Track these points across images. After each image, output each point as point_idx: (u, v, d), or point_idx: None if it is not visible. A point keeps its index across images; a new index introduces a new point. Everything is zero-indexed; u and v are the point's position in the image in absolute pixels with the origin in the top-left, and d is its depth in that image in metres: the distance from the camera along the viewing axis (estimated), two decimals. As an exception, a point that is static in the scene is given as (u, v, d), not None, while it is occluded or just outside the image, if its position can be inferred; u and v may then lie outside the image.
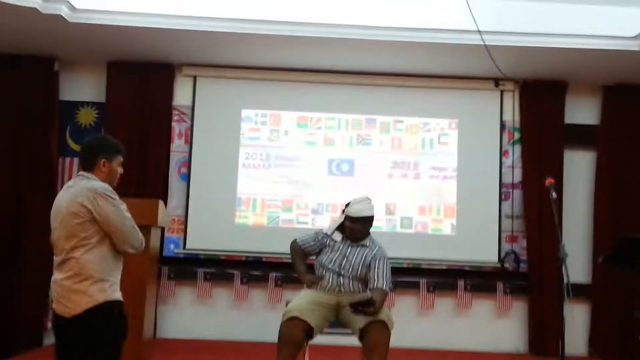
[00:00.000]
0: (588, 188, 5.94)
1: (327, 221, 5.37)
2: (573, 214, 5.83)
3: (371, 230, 4.18)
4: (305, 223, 5.79)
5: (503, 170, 5.92)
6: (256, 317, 5.73)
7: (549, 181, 4.31)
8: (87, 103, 5.95)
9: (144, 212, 2.87)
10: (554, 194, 4.22)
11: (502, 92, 5.98)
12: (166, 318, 5.75)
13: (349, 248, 4.07)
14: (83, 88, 5.96)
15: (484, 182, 5.89)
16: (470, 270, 5.83)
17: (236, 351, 5.22)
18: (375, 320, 3.69)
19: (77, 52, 5.72)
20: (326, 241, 4.14)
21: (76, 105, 5.93)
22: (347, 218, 4.08)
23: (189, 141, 5.90)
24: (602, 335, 5.70)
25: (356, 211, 4.06)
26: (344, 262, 4.01)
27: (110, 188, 2.85)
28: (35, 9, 4.62)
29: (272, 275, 5.71)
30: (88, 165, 2.92)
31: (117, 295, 2.84)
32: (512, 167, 5.93)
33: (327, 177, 5.90)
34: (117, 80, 5.84)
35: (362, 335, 3.73)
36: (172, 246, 5.81)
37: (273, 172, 5.91)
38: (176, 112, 5.94)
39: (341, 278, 3.98)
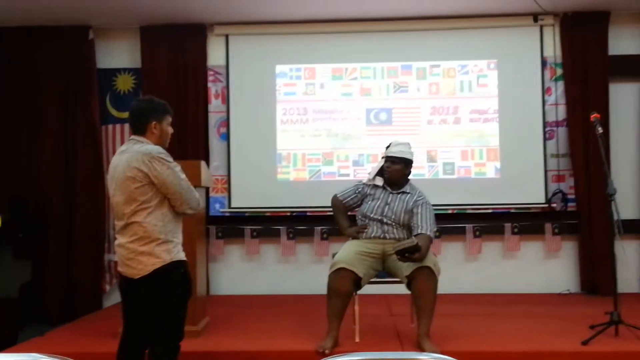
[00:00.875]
0: (636, 121, 5.76)
1: (368, 172, 5.36)
2: (621, 148, 5.67)
3: (413, 178, 4.16)
4: (347, 175, 5.79)
5: (546, 108, 5.77)
6: (304, 271, 5.82)
7: (595, 116, 4.21)
8: (124, 69, 6.01)
9: (187, 173, 2.90)
10: (600, 129, 4.11)
11: (541, 27, 5.78)
12: (217, 276, 5.90)
13: (390, 195, 4.06)
14: (119, 55, 6.01)
15: (526, 122, 5.76)
16: (517, 212, 5.76)
17: (287, 304, 5.32)
18: (422, 267, 3.70)
19: (109, 19, 5.76)
20: (367, 191, 4.14)
21: (113, 72, 6.00)
22: (388, 159, 4.07)
23: (226, 101, 5.92)
24: (655, 271, 5.61)
25: (397, 152, 4.04)
26: (386, 209, 4.01)
27: (164, 151, 2.88)
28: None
29: (317, 229, 5.76)
30: (139, 129, 2.94)
31: (182, 255, 2.92)
32: (556, 104, 5.77)
33: (366, 128, 5.86)
34: (151, 44, 5.88)
35: (410, 282, 3.76)
36: (217, 205, 5.90)
37: (311, 126, 5.89)
38: (211, 73, 5.95)
39: (385, 226, 3.99)
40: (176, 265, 2.86)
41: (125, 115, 5.81)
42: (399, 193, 4.07)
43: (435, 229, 4.00)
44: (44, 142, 5.79)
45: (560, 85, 5.77)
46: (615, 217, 3.90)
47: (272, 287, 5.83)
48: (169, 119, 3.02)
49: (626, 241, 4.97)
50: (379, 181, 4.13)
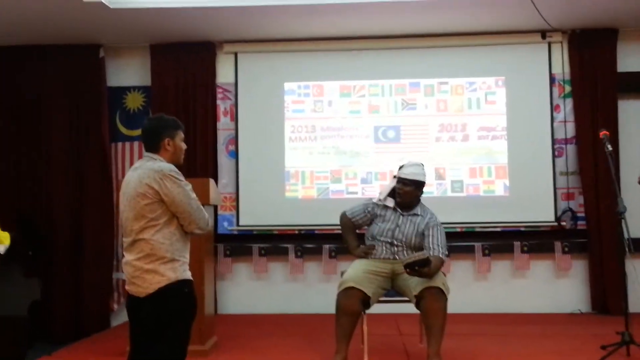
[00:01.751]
0: (646, 138, 5.73)
1: (376, 190, 5.35)
2: (630, 166, 5.61)
3: (422, 196, 4.14)
4: (355, 193, 5.78)
5: (555, 125, 5.75)
6: (312, 289, 5.79)
7: (604, 133, 4.19)
8: (134, 87, 6.05)
9: (195, 192, 2.89)
10: (609, 147, 4.10)
11: (549, 44, 5.78)
12: (225, 294, 5.88)
13: (401, 217, 4.03)
14: (129, 73, 6.06)
15: (535, 139, 5.74)
16: (526, 230, 5.72)
17: (295, 324, 5.29)
18: (431, 287, 3.68)
19: (120, 38, 5.81)
20: (377, 211, 4.11)
21: (123, 90, 6.05)
22: (400, 180, 4.03)
23: (235, 118, 5.94)
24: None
25: (409, 174, 4.01)
26: (397, 232, 3.99)
27: (175, 169, 2.88)
28: (76, -3, 4.70)
29: (326, 247, 5.74)
30: (152, 146, 2.94)
31: (188, 274, 2.89)
32: (565, 121, 5.75)
33: (374, 145, 5.86)
34: (161, 63, 5.92)
35: (419, 301, 3.73)
36: (225, 224, 5.90)
37: (319, 143, 5.90)
38: (220, 90, 5.98)
39: (394, 247, 3.96)
40: (181, 284, 2.84)
41: (135, 133, 5.88)
42: (410, 215, 4.04)
43: (446, 251, 3.97)
44: (54, 160, 5.82)
45: (569, 102, 5.76)
46: (626, 236, 3.87)
47: (280, 305, 5.80)
48: (181, 135, 3.02)
49: (637, 260, 4.91)
50: (390, 202, 4.09)
